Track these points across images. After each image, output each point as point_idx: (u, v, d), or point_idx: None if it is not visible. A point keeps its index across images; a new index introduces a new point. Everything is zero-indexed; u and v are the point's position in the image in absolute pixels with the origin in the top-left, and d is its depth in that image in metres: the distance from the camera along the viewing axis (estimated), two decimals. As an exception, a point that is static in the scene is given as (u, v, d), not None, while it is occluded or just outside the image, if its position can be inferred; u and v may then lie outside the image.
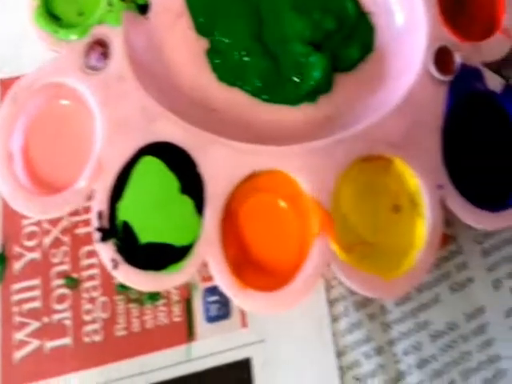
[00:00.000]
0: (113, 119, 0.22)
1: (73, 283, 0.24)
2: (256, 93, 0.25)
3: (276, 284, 0.21)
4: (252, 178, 0.22)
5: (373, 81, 0.24)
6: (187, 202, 0.22)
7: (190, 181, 0.22)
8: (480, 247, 0.24)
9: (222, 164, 0.22)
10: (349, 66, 0.25)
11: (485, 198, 0.22)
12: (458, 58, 0.23)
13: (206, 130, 0.22)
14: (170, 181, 0.22)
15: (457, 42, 0.23)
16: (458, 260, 0.24)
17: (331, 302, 0.23)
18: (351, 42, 0.25)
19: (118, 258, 0.21)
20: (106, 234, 0.21)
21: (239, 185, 0.22)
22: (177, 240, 0.21)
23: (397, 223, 0.22)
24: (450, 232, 0.24)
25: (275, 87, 0.25)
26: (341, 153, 0.21)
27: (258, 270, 0.22)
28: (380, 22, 0.25)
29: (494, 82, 0.23)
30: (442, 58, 0.23)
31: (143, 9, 0.25)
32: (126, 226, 0.21)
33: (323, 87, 0.25)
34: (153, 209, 0.22)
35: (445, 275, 0.24)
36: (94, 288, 0.24)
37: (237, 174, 0.22)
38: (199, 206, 0.21)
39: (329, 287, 0.23)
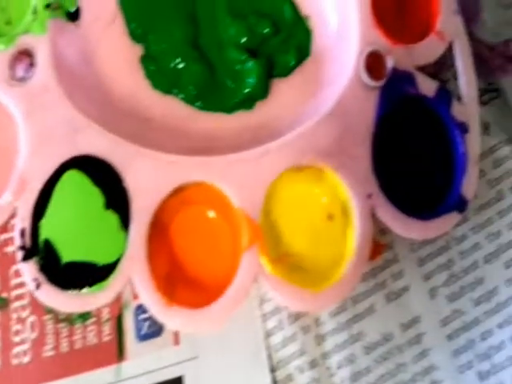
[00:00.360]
0: (36, 131, 0.22)
1: (2, 303, 0.23)
2: (191, 100, 0.24)
3: (208, 301, 0.20)
4: (180, 191, 0.21)
5: (309, 87, 0.24)
6: (112, 218, 0.21)
7: (116, 196, 0.21)
8: (416, 255, 0.24)
9: (147, 177, 0.21)
10: (285, 71, 0.24)
11: (417, 206, 0.21)
12: (389, 63, 0.22)
13: (138, 141, 0.22)
14: (95, 196, 0.21)
15: (389, 45, 0.22)
16: (393, 269, 0.23)
17: (265, 316, 0.23)
18: (288, 46, 0.24)
19: (41, 277, 0.20)
20: (28, 253, 0.21)
21: (167, 199, 0.21)
22: (101, 258, 0.20)
23: (329, 233, 0.21)
24: (385, 240, 0.24)
25: (211, 94, 0.24)
26: (269, 163, 0.21)
27: (191, 286, 0.21)
28: (316, 26, 0.25)
29: (427, 86, 0.22)
30: (373, 62, 0.22)
31: (73, 16, 0.24)
32: (48, 245, 0.21)
33: (259, 94, 0.24)
34: (76, 226, 0.21)
35: (380, 284, 0.23)
36: (23, 307, 0.23)
37: (163, 188, 0.21)
38: (125, 222, 0.21)
39: (263, 301, 0.23)
